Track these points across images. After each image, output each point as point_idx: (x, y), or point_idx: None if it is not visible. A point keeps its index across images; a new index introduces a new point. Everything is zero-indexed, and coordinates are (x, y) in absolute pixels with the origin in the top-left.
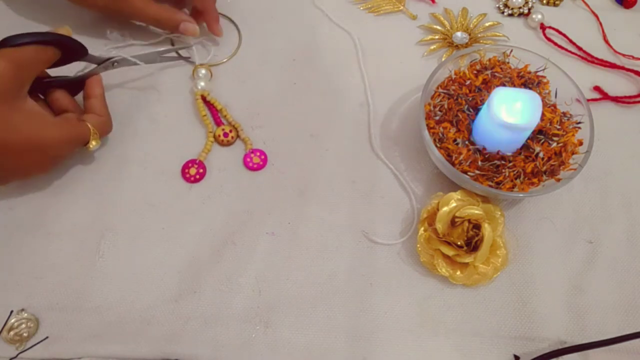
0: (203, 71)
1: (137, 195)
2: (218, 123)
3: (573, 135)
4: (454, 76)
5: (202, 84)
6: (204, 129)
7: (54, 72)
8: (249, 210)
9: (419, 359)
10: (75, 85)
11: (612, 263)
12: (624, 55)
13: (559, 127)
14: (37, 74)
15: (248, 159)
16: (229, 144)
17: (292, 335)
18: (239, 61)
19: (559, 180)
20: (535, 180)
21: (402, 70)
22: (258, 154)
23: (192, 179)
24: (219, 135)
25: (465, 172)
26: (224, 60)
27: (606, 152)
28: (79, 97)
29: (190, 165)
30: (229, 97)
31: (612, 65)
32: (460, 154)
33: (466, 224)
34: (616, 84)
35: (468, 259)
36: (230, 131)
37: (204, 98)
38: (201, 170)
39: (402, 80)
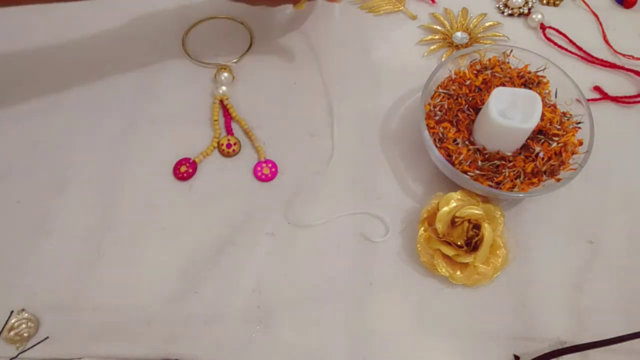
0: (225, 74)
1: (137, 195)
2: (229, 130)
3: (573, 135)
4: (454, 76)
5: (224, 88)
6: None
7: None
8: (249, 210)
9: (419, 359)
10: None
11: (612, 263)
12: (624, 55)
13: (559, 127)
14: None
15: (258, 168)
16: (228, 155)
17: (292, 335)
18: (238, 61)
19: (559, 180)
20: (535, 180)
21: (402, 70)
22: (270, 165)
23: (181, 175)
24: (222, 144)
25: (465, 172)
26: (234, 60)
27: (606, 152)
28: None
29: (183, 162)
30: (231, 97)
31: (612, 65)
32: (460, 154)
33: (466, 224)
34: (616, 84)
35: (468, 259)
36: (235, 144)
37: (221, 102)
38: (190, 170)
39: (402, 80)
